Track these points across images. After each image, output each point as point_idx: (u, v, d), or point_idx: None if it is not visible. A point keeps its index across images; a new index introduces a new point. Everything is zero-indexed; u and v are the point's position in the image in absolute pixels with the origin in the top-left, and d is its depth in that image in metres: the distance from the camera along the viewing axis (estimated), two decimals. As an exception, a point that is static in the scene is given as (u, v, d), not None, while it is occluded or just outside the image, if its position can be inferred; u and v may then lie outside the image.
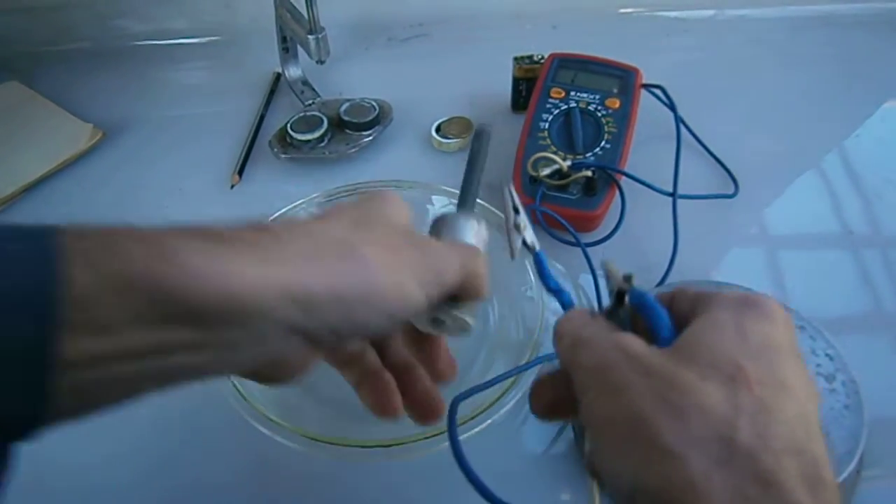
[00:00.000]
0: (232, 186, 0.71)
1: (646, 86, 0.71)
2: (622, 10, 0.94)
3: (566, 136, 0.67)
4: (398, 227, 0.34)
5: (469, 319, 0.37)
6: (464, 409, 0.47)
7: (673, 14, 0.94)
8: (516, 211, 0.39)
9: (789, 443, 0.25)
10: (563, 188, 0.63)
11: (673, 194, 0.65)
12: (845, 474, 0.47)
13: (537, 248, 0.38)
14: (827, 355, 0.52)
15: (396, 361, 0.41)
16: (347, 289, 0.29)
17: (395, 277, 0.31)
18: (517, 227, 0.38)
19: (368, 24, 0.92)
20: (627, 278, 0.33)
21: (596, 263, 0.60)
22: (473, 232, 0.38)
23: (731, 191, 0.69)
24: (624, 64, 0.72)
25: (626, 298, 0.33)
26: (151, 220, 0.27)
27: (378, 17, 0.93)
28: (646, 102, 0.72)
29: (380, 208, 0.35)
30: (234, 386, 0.49)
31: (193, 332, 0.25)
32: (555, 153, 0.65)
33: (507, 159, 0.69)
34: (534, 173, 0.63)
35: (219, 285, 0.25)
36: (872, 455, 0.49)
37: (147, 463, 0.52)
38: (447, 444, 0.46)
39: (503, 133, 0.75)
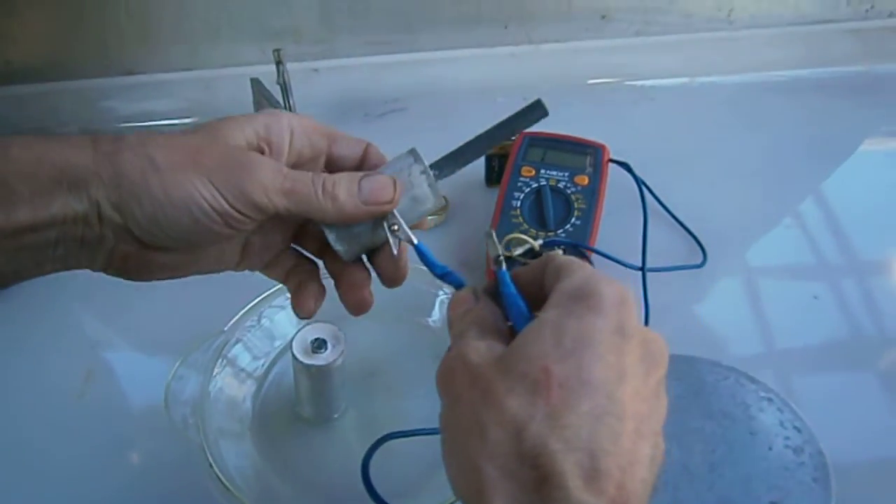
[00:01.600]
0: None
1: (613, 161, 0.74)
2: (591, 81, 0.97)
3: (538, 214, 0.69)
4: (224, 141, 0.36)
5: (334, 242, 0.40)
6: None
7: (639, 83, 0.97)
8: (390, 219, 0.40)
9: (571, 442, 0.27)
10: (536, 265, 0.65)
11: (642, 268, 0.67)
12: (815, 548, 0.48)
13: (415, 241, 0.40)
14: (795, 427, 0.54)
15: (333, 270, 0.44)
16: (132, 180, 0.34)
17: (178, 177, 0.34)
18: (391, 230, 0.40)
19: (345, 100, 0.95)
20: (497, 260, 0.36)
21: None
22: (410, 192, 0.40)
23: (699, 260, 0.71)
24: (591, 141, 0.74)
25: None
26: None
27: (354, 92, 0.95)
28: (615, 173, 0.75)
29: (223, 124, 0.37)
30: (217, 475, 0.50)
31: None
32: (527, 231, 0.67)
33: (482, 235, 0.71)
34: (507, 253, 0.65)
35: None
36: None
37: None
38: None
39: (478, 208, 0.78)
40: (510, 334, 0.34)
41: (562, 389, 0.28)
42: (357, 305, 0.43)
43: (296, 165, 0.40)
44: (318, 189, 0.37)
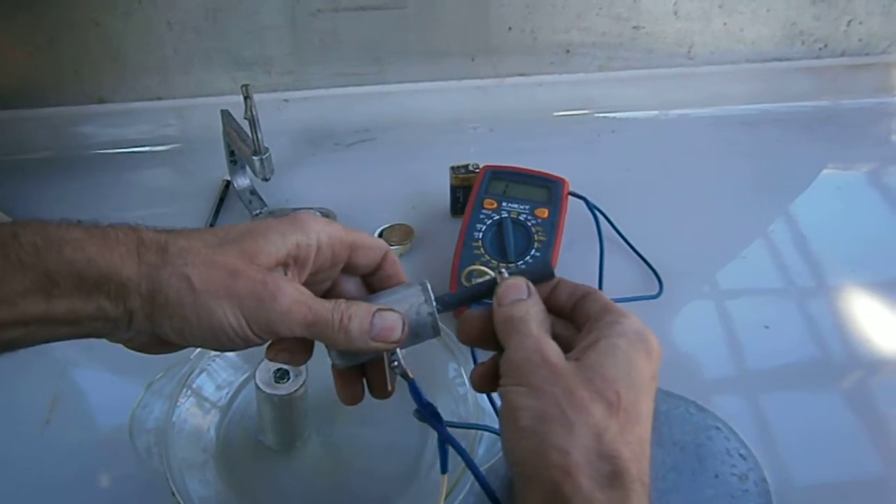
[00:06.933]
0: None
1: (572, 194, 0.76)
2: (556, 114, 1.00)
3: (499, 245, 0.71)
4: (263, 262, 0.40)
5: (333, 357, 0.44)
6: None
7: (602, 115, 1.00)
8: (391, 354, 0.43)
9: (634, 454, 0.36)
10: (496, 296, 0.67)
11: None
12: (757, 573, 0.50)
13: (412, 376, 0.43)
14: (740, 455, 0.56)
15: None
16: (167, 297, 0.38)
17: (211, 302, 0.38)
18: (392, 366, 0.43)
19: (315, 130, 0.97)
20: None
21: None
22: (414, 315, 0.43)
23: (655, 290, 0.74)
24: (552, 175, 0.77)
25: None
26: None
27: (324, 122, 0.97)
28: (575, 205, 0.78)
29: (258, 239, 0.40)
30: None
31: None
32: (488, 262, 0.69)
33: (445, 266, 0.73)
34: (467, 284, 0.67)
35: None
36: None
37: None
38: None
39: (442, 237, 0.80)
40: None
41: (626, 413, 0.36)
42: (350, 398, 0.47)
43: (315, 273, 0.43)
44: (336, 322, 0.41)
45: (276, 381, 0.55)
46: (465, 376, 0.60)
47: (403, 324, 0.42)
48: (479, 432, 0.55)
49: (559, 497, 0.35)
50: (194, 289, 0.38)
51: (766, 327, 0.72)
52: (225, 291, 0.38)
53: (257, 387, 0.55)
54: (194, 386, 0.59)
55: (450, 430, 0.44)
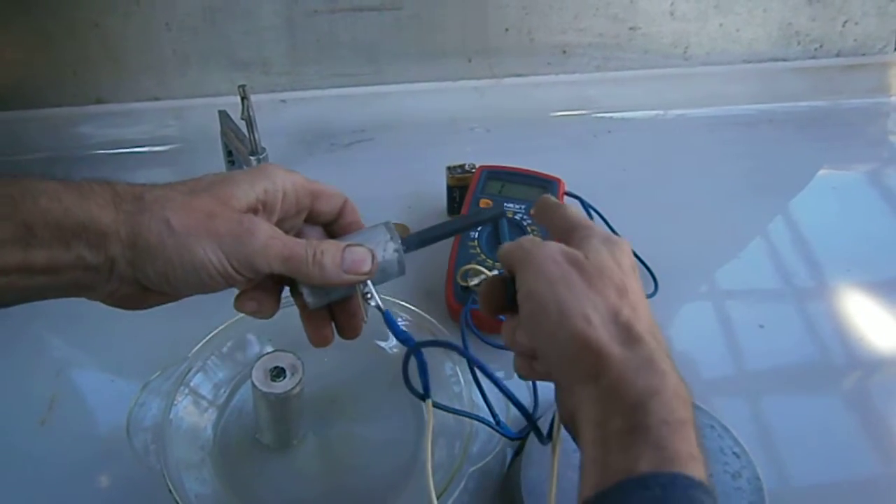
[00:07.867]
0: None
1: (568, 194, 0.77)
2: (552, 114, 1.00)
3: (495, 245, 0.71)
4: (235, 206, 0.41)
5: (306, 294, 0.45)
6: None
7: (599, 115, 1.01)
8: (363, 286, 0.45)
9: (643, 326, 0.39)
10: (492, 295, 0.67)
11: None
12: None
13: (384, 309, 0.45)
14: (734, 453, 0.57)
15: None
16: (148, 241, 0.39)
17: (191, 242, 0.39)
18: (364, 297, 0.45)
19: (312, 130, 0.97)
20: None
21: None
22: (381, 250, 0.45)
23: (650, 290, 0.74)
24: (547, 174, 0.77)
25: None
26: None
27: (321, 122, 0.98)
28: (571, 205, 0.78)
29: (228, 186, 0.42)
30: (177, 503, 0.51)
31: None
32: (483, 262, 0.69)
33: (442, 265, 0.73)
34: (463, 283, 0.67)
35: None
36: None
37: None
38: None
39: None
40: None
41: (631, 293, 0.41)
42: (320, 340, 0.48)
43: (282, 220, 0.45)
44: (310, 258, 0.42)
45: (273, 380, 0.56)
46: (459, 375, 0.60)
47: (372, 256, 0.44)
48: (475, 431, 0.56)
49: (597, 366, 0.38)
50: (174, 230, 0.39)
51: (761, 326, 0.72)
52: (204, 231, 0.40)
53: (254, 385, 0.55)
54: (191, 384, 0.60)
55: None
